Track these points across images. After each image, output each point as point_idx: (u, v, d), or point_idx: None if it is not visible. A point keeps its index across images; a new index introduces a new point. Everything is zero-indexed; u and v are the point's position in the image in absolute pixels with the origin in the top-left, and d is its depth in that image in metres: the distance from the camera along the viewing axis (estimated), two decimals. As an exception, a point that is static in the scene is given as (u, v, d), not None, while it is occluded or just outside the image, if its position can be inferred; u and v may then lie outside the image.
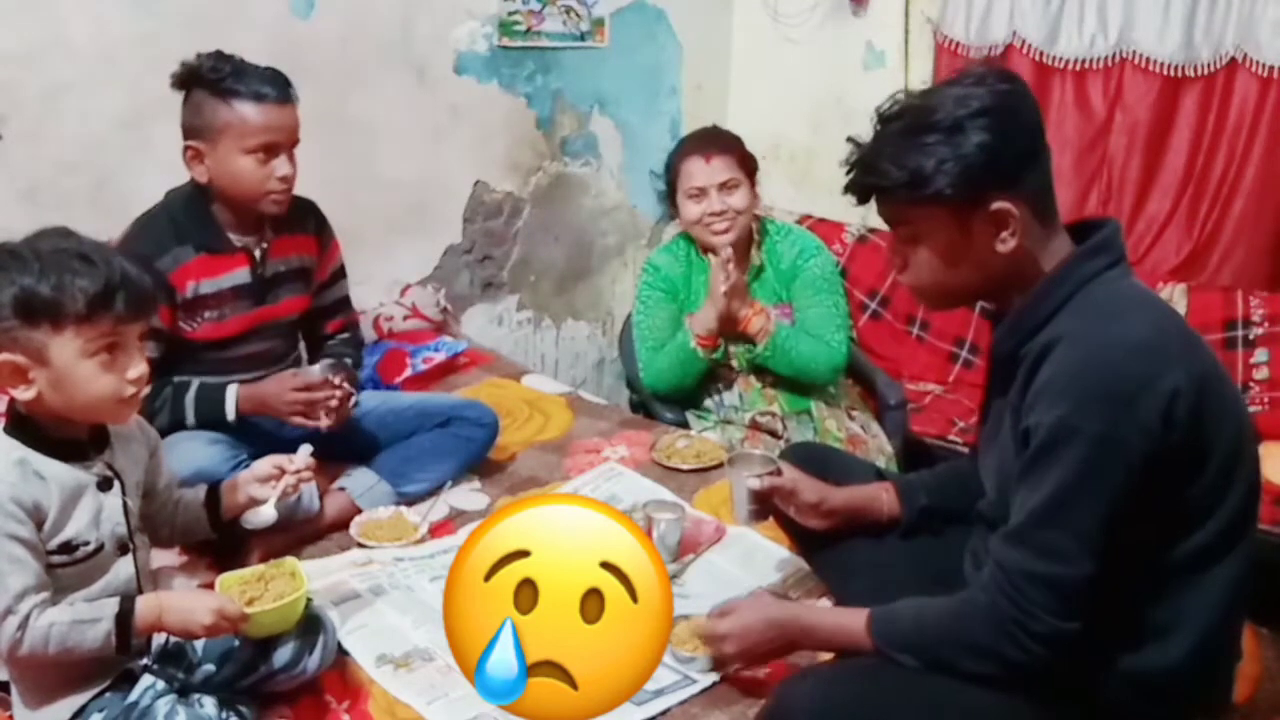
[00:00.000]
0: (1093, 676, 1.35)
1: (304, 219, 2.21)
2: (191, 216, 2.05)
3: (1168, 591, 1.34)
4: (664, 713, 1.58)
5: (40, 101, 2.40)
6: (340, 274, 2.33)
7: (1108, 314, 1.34)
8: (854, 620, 1.45)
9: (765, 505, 1.76)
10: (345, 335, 2.34)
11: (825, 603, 1.83)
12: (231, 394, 2.05)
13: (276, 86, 1.99)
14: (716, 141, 2.61)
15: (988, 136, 1.33)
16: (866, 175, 1.42)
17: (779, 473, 1.75)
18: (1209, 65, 2.87)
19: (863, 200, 1.45)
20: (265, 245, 2.13)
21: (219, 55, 1.98)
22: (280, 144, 1.99)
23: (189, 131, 2.00)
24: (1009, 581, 1.31)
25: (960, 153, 1.33)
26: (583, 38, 3.35)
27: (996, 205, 1.35)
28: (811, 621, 1.52)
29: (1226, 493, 1.33)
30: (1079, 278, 1.38)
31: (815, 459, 1.86)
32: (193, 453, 1.93)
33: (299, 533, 2.01)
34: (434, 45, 3.04)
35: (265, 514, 1.72)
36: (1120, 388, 1.27)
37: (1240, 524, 1.35)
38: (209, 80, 1.96)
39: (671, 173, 2.63)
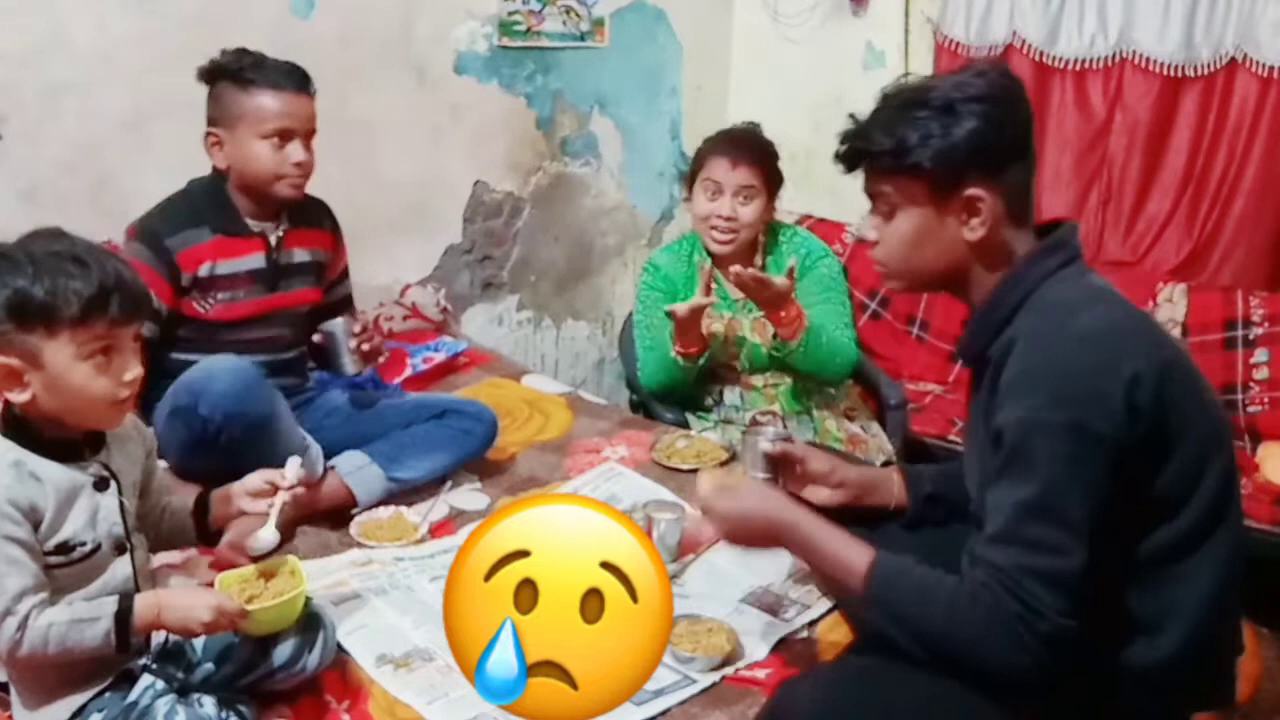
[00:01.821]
0: (1088, 674, 1.35)
1: (320, 217, 2.32)
2: (210, 201, 2.15)
3: (1151, 584, 1.34)
4: (664, 713, 1.58)
5: (40, 101, 2.40)
6: (346, 273, 2.43)
7: (1065, 309, 1.36)
8: (855, 558, 1.42)
9: (776, 471, 1.77)
10: None
11: (824, 604, 1.83)
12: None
13: (294, 78, 2.11)
14: (751, 152, 2.57)
15: (977, 122, 1.37)
16: (855, 141, 1.46)
17: (791, 441, 1.78)
18: (1209, 65, 2.87)
19: (850, 168, 1.48)
20: (281, 234, 2.20)
21: (242, 51, 2.11)
22: (295, 130, 2.10)
23: (211, 120, 2.12)
24: (1009, 579, 1.29)
25: (947, 131, 1.37)
26: (583, 38, 3.35)
27: (971, 191, 1.39)
28: (810, 535, 1.48)
29: (1199, 482, 1.34)
30: (1035, 276, 1.41)
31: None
32: (230, 360, 2.00)
33: (296, 508, 1.98)
34: (434, 45, 3.04)
35: (265, 538, 1.70)
36: (1083, 378, 1.29)
37: (1219, 514, 1.35)
38: (231, 71, 2.08)
39: (698, 160, 2.62)
